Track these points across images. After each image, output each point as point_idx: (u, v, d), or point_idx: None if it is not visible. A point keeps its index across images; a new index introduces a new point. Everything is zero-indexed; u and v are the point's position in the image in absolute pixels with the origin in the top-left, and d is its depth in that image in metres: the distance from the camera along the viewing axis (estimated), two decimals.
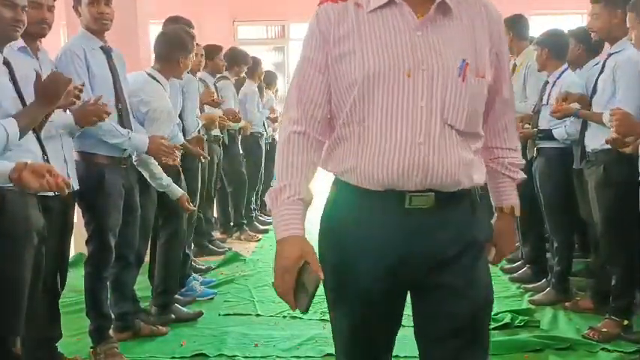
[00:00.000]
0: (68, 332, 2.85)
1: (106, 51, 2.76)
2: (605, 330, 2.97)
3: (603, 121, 2.85)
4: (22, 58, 2.21)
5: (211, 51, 4.69)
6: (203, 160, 3.90)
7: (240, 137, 5.37)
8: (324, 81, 1.36)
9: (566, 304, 3.45)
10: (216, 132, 4.63)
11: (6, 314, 2.00)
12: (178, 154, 3.07)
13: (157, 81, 3.17)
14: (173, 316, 3.32)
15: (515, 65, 4.03)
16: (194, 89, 4.07)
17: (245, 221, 5.64)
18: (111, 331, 2.90)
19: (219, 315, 3.46)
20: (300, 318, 3.36)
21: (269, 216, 6.51)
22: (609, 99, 2.93)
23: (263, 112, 6.02)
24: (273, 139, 6.37)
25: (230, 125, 4.86)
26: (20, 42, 2.26)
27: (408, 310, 1.43)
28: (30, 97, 2.10)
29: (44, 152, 2.18)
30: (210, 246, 4.91)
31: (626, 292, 3.03)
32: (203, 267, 4.37)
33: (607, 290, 3.15)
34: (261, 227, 5.91)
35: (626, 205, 2.77)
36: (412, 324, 1.44)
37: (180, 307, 3.42)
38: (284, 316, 3.39)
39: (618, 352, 2.81)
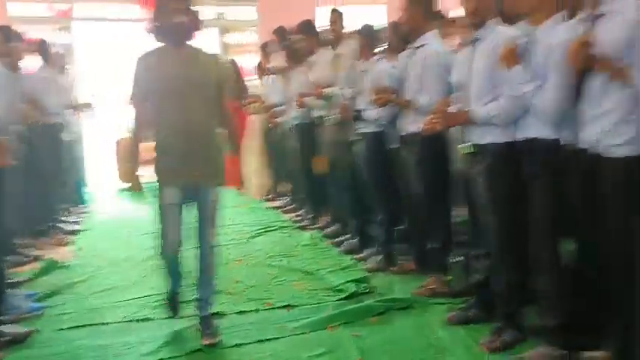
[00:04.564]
0: None
1: None
2: (432, 287, 3.43)
3: (417, 108, 3.29)
4: None
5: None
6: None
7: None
8: None
9: (393, 268, 3.88)
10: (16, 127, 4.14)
11: None
12: None
13: None
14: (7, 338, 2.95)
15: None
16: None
17: (52, 224, 5.15)
18: None
19: (61, 330, 3.15)
20: (152, 319, 3.25)
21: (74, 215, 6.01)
22: (418, 88, 3.37)
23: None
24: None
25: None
26: None
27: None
28: None
29: None
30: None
31: (444, 252, 3.52)
32: (20, 280, 3.90)
33: (426, 252, 3.63)
34: (69, 228, 5.44)
35: (440, 175, 3.33)
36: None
37: (11, 326, 3.05)
38: (137, 320, 3.24)
39: (448, 304, 3.25)
